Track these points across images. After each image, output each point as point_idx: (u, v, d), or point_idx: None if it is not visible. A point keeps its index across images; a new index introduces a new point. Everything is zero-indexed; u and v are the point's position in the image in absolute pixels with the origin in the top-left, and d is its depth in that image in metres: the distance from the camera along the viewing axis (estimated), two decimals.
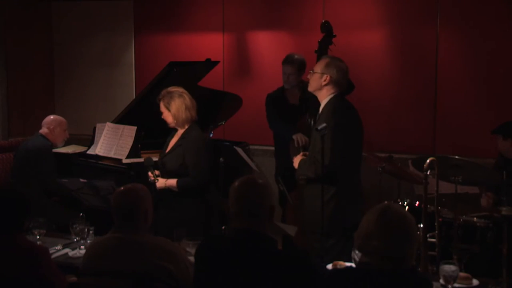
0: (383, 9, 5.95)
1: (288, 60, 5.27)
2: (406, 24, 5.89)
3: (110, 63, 7.11)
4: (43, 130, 5.35)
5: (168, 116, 4.37)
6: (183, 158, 4.29)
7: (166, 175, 4.32)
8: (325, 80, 3.95)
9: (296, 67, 5.22)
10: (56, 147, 5.47)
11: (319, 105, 4.14)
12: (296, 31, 6.19)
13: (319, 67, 3.99)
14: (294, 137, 4.94)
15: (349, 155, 3.96)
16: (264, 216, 2.60)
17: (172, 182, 4.27)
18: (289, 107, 5.31)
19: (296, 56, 5.29)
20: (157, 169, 4.40)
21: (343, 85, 4.01)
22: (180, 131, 4.41)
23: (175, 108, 4.34)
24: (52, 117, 5.45)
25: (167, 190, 4.29)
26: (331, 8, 6.10)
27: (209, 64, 5.61)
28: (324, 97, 3.99)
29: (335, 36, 4.82)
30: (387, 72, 5.98)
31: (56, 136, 5.37)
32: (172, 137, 4.48)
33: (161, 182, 4.29)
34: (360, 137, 4.08)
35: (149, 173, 4.34)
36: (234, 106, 5.77)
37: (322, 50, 4.80)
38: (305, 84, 5.17)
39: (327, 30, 4.83)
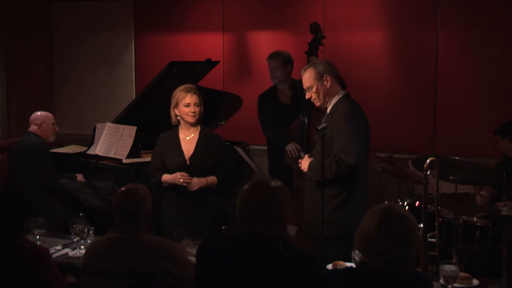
0: (383, 9, 5.95)
1: (270, 55, 5.25)
2: (406, 24, 5.90)
3: (110, 62, 7.11)
4: (32, 128, 5.28)
5: (199, 109, 4.29)
6: (215, 157, 4.30)
7: (194, 175, 4.23)
8: (327, 82, 3.82)
9: (280, 60, 5.17)
10: (49, 142, 5.40)
11: (311, 103, 4.10)
12: (296, 31, 6.19)
13: (311, 79, 3.82)
14: (287, 148, 4.94)
15: (366, 156, 3.90)
16: (272, 222, 2.55)
17: (213, 179, 4.28)
18: (281, 107, 5.30)
19: (279, 51, 5.28)
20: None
21: (339, 75, 3.88)
22: (191, 132, 4.32)
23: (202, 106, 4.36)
24: (38, 113, 5.35)
25: (184, 193, 4.23)
26: (331, 8, 6.10)
27: (209, 64, 5.61)
28: (333, 98, 3.86)
29: (324, 36, 4.82)
30: (387, 72, 5.98)
31: (46, 132, 5.31)
32: (176, 140, 4.32)
33: (201, 182, 4.22)
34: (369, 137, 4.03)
35: (180, 174, 4.20)
36: (234, 106, 5.76)
37: (312, 51, 4.80)
38: (296, 82, 5.17)
39: (316, 31, 4.83)
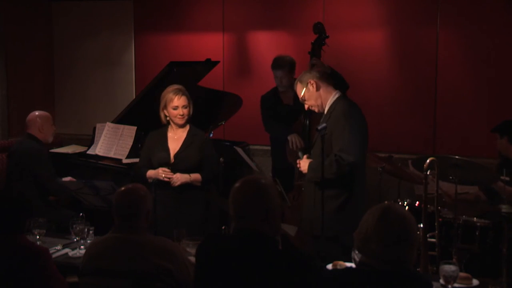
0: (383, 9, 5.95)
1: (277, 65, 5.24)
2: (406, 24, 5.90)
3: (110, 62, 7.11)
4: (32, 130, 5.08)
5: (188, 110, 4.35)
6: (200, 154, 4.36)
7: (178, 172, 4.30)
8: (313, 86, 3.90)
9: (287, 69, 5.21)
10: (48, 143, 5.31)
11: None
12: (296, 31, 6.19)
13: (299, 89, 3.96)
14: (289, 138, 4.94)
15: (364, 155, 3.92)
16: (266, 217, 2.58)
17: (197, 176, 4.33)
18: (283, 108, 5.31)
19: (284, 58, 5.26)
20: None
21: (329, 76, 3.96)
22: (180, 131, 4.40)
23: (192, 105, 4.40)
24: (37, 113, 5.14)
25: (170, 189, 4.29)
26: (331, 8, 6.10)
27: (209, 64, 5.61)
28: (328, 100, 3.93)
29: (328, 36, 4.82)
30: (387, 72, 5.98)
31: (46, 133, 5.14)
32: (164, 137, 4.41)
33: (184, 177, 4.28)
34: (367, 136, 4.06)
35: (162, 170, 4.28)
36: (234, 106, 5.76)
37: (315, 51, 4.81)
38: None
39: (320, 31, 4.84)
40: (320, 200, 3.70)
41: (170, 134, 4.42)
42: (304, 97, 3.94)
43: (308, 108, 4.00)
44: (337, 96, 3.92)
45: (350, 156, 3.70)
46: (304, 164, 3.96)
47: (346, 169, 3.72)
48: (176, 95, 4.30)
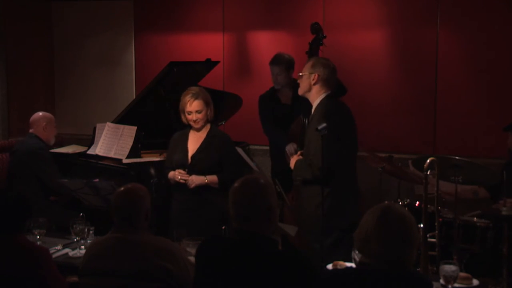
0: (383, 9, 5.95)
1: (274, 61, 5.25)
2: (406, 24, 5.90)
3: (110, 63, 7.11)
4: (36, 130, 5.20)
5: (204, 114, 4.32)
6: (219, 156, 4.32)
7: (195, 173, 4.28)
8: (313, 79, 3.93)
9: (284, 67, 5.21)
10: (49, 145, 5.36)
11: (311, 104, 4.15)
12: (296, 31, 6.19)
13: (306, 69, 4.00)
14: (287, 149, 4.95)
15: (344, 156, 3.95)
16: (266, 217, 2.59)
17: (213, 178, 4.29)
18: (281, 107, 5.31)
19: (283, 56, 5.27)
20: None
21: (332, 83, 4.00)
22: (201, 132, 4.38)
23: (212, 106, 4.37)
24: (40, 114, 5.27)
25: (188, 191, 4.28)
26: (331, 8, 6.10)
27: (209, 64, 5.61)
28: (315, 98, 3.98)
29: (325, 37, 4.83)
30: (387, 72, 5.98)
31: (49, 134, 5.23)
32: (185, 138, 4.41)
33: (200, 179, 4.26)
34: (354, 136, 4.08)
35: (178, 171, 4.28)
36: (234, 106, 5.76)
37: (312, 51, 4.82)
38: (297, 83, 5.19)
39: (317, 31, 4.84)
40: (303, 198, 3.94)
41: (191, 135, 4.42)
42: (302, 77, 4.01)
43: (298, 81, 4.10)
44: (323, 96, 3.96)
45: (320, 162, 3.73)
46: (293, 160, 4.07)
47: (318, 173, 3.77)
48: (188, 101, 4.28)
